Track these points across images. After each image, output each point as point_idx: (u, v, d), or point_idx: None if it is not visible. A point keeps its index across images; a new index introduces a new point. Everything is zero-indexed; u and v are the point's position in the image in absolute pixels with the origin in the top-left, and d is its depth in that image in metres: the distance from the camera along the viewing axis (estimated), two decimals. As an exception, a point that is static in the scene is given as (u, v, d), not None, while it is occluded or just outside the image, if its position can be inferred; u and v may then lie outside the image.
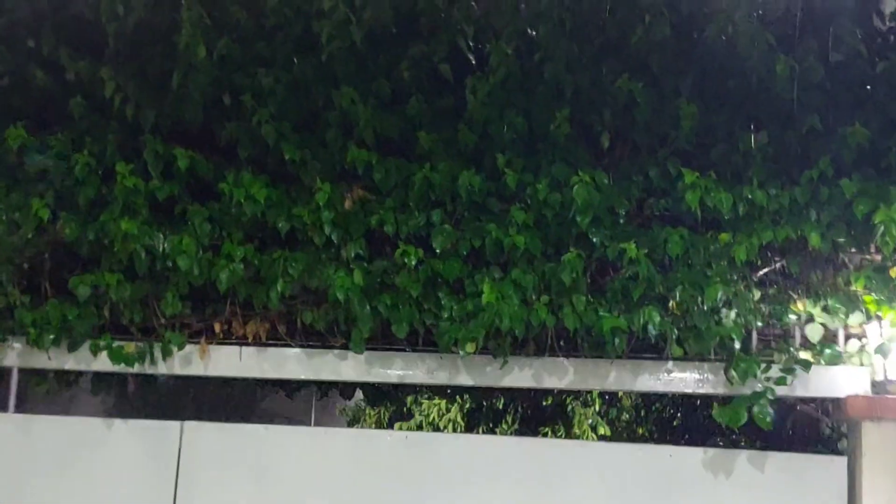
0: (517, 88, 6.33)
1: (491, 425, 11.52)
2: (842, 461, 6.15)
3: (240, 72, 6.49)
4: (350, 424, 13.84)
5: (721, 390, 6.25)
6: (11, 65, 6.55)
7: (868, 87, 6.41)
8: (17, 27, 6.75)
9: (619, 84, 6.17)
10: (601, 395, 11.35)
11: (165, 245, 6.17)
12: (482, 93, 6.20)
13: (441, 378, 6.43)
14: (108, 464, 6.41)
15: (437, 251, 6.18)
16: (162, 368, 6.44)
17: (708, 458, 6.22)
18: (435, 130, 6.37)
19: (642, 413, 10.82)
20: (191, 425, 6.43)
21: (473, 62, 6.48)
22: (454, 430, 11.78)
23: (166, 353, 6.35)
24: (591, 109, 6.38)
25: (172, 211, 6.36)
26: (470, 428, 11.73)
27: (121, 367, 6.38)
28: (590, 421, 11.61)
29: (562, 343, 6.30)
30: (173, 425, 6.44)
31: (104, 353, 6.35)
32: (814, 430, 7.78)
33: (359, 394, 9.19)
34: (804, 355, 6.16)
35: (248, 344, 6.43)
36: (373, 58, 6.53)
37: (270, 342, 6.45)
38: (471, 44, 6.46)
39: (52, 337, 6.30)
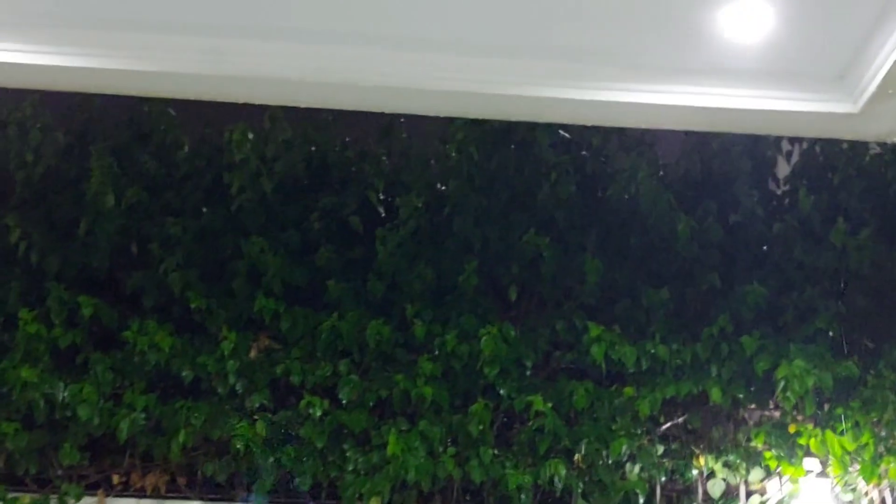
0: (426, 240, 6.44)
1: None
2: None
3: (148, 220, 6.50)
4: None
5: (626, 546, 6.24)
6: None
7: (765, 247, 6.67)
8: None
9: (526, 238, 6.33)
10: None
11: (66, 394, 6.01)
12: (392, 244, 6.29)
13: (345, 533, 6.31)
14: None
15: (344, 402, 6.13)
16: (57, 522, 6.20)
17: None
18: (344, 280, 6.40)
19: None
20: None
21: (383, 214, 6.59)
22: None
23: (62, 506, 6.14)
24: (499, 262, 6.51)
25: (74, 359, 6.22)
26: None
27: (15, 521, 6.12)
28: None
29: (468, 497, 6.24)
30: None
31: (-2, 506, 6.11)
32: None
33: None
34: (707, 511, 6.20)
35: (147, 496, 6.23)
36: (283, 208, 6.60)
37: (170, 495, 6.26)
38: (381, 196, 6.59)
39: (-58, 490, 6.05)
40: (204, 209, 6.57)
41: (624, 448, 6.02)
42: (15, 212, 6.41)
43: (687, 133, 6.58)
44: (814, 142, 6.78)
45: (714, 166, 6.81)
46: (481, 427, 6.01)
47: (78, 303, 6.18)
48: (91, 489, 6.20)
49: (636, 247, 6.57)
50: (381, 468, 5.95)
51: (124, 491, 6.25)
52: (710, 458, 6.26)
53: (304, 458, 6.05)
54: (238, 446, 5.93)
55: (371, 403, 6.16)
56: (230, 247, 6.50)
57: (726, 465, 6.24)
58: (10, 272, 6.42)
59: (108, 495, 6.21)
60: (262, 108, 6.51)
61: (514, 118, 6.03)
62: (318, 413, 6.05)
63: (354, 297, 6.37)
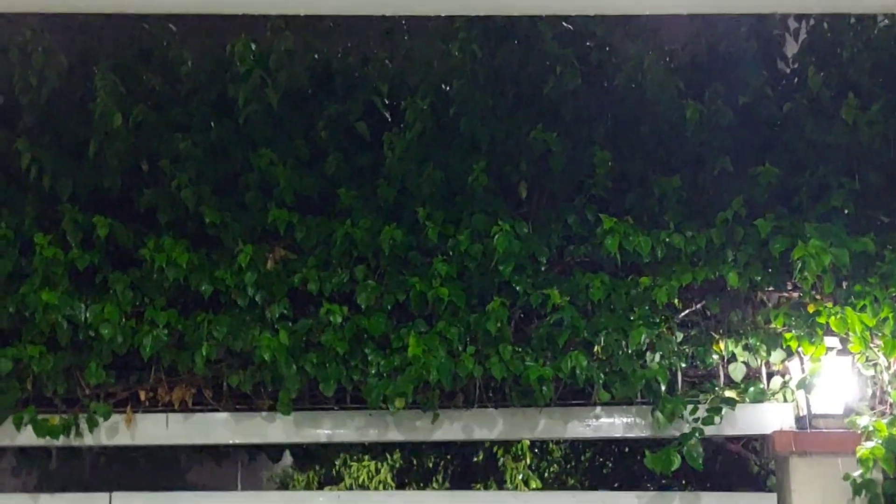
0: (434, 143, 6.42)
1: (422, 484, 11.44)
2: (772, 497, 6.24)
3: (156, 138, 6.49)
4: (279, 491, 13.66)
5: (649, 433, 6.30)
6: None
7: (776, 127, 6.61)
8: (-73, 101, 6.68)
9: (534, 134, 6.29)
10: (531, 447, 11.38)
11: (87, 314, 6.09)
12: (399, 148, 6.27)
13: (371, 435, 6.40)
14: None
15: (362, 307, 6.18)
16: (88, 440, 6.29)
17: (641, 502, 6.26)
18: (354, 187, 6.41)
19: (572, 463, 10.83)
20: (119, 496, 6.33)
21: (389, 119, 6.57)
22: (385, 491, 11.68)
23: (92, 424, 6.22)
24: (508, 160, 6.49)
25: (93, 280, 6.28)
26: (400, 488, 11.65)
27: (46, 441, 6.23)
28: (521, 475, 11.58)
29: (490, 394, 6.32)
30: (102, 497, 6.33)
31: (28, 427, 6.20)
32: (743, 468, 7.87)
33: (286, 460, 9.08)
34: (729, 394, 6.24)
35: (174, 411, 6.34)
36: (289, 119, 6.58)
37: (197, 407, 6.37)
38: (386, 101, 6.58)
39: (-27, 412, 6.17)
40: (211, 123, 6.55)
41: (643, 337, 6.05)
42: (24, 136, 6.41)
43: (692, 17, 6.48)
44: (821, 18, 6.68)
45: (721, 49, 6.73)
46: (499, 324, 6.05)
47: (93, 224, 6.21)
48: (119, 406, 6.32)
49: (645, 136, 6.53)
50: (403, 370, 6.01)
51: (152, 406, 6.36)
52: (730, 342, 6.30)
53: (327, 365, 6.12)
54: (263, 356, 6.00)
55: (389, 307, 6.21)
56: (240, 160, 6.50)
57: (747, 348, 6.28)
58: (23, 197, 6.45)
59: (136, 411, 6.33)
60: (264, 20, 6.45)
61: (515, 13, 5.96)
62: (338, 319, 6.10)
63: (366, 204, 6.39)
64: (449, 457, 11.15)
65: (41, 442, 6.26)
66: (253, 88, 6.31)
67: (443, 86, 6.53)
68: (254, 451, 7.60)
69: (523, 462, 11.47)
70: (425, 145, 6.37)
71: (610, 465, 10.08)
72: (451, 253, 6.23)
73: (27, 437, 6.26)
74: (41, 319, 6.04)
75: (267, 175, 6.35)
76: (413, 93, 6.44)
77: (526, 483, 11.45)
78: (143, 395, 6.33)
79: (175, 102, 6.63)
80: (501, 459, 11.38)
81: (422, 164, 6.34)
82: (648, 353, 6.16)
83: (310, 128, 6.57)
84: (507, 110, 6.52)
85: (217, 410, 6.37)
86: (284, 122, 6.55)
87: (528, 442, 10.29)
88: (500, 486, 11.28)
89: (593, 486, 9.93)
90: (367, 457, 11.56)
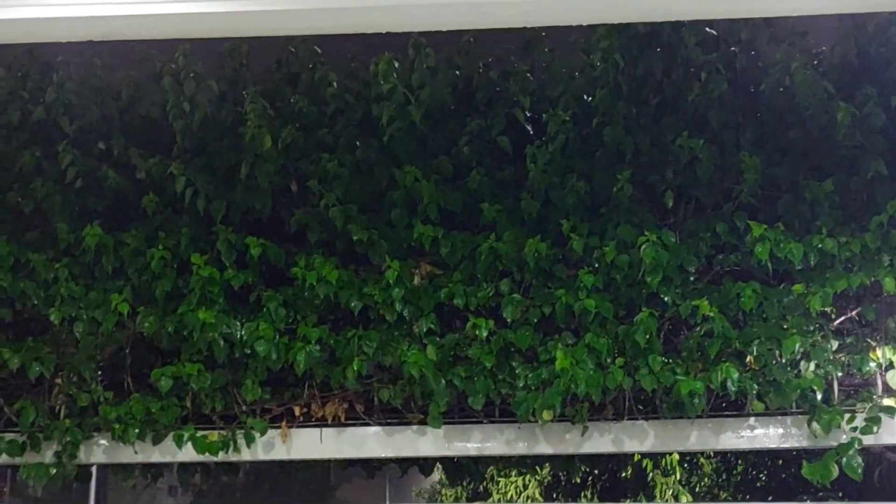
0: (577, 154, 6.41)
1: (570, 500, 11.40)
2: (934, 508, 6.03)
3: (304, 159, 6.65)
4: (428, 508, 13.78)
5: (805, 443, 6.17)
6: (85, 167, 6.71)
7: (932, 127, 6.42)
8: (87, 131, 6.94)
9: (680, 142, 6.22)
10: (681, 462, 11.23)
11: (243, 332, 6.25)
12: (542, 161, 6.28)
13: (520, 448, 6.41)
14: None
15: (508, 321, 6.20)
16: (246, 455, 6.47)
17: (799, 513, 6.14)
18: (498, 201, 6.44)
19: (723, 477, 10.66)
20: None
21: (531, 132, 6.58)
22: (534, 507, 11.68)
23: (249, 440, 6.38)
24: (653, 169, 6.44)
25: (247, 298, 6.46)
26: (549, 503, 11.63)
27: (205, 457, 6.41)
28: (671, 490, 11.45)
29: (640, 406, 6.27)
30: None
31: (189, 444, 6.39)
32: (902, 478, 7.63)
33: (434, 476, 9.14)
34: (888, 402, 6.07)
35: (327, 425, 6.46)
36: (432, 135, 6.67)
37: (349, 422, 6.48)
38: (528, 114, 6.59)
39: (136, 431, 6.36)
40: (357, 143, 6.67)
41: (797, 346, 5.90)
42: (178, 161, 6.63)
43: (840, 17, 6.33)
44: (978, 12, 6.46)
45: (871, 50, 6.54)
46: (648, 336, 5.98)
47: (246, 244, 6.40)
48: (274, 422, 6.47)
49: (795, 140, 6.40)
50: (551, 383, 5.99)
51: (306, 422, 6.49)
52: (887, 349, 6.12)
53: (475, 379, 6.15)
54: (412, 371, 6.06)
55: (535, 320, 6.20)
56: (385, 178, 6.60)
57: (904, 355, 6.10)
58: (180, 219, 6.67)
59: (290, 426, 6.46)
60: (405, 38, 6.55)
61: (657, 19, 5.89)
62: (485, 333, 6.12)
63: (509, 218, 6.41)
64: (597, 472, 11.10)
65: (200, 458, 6.44)
66: (396, 107, 6.41)
67: (585, 96, 6.52)
68: (405, 465, 7.68)
69: (673, 476, 11.35)
70: (568, 157, 6.37)
71: (763, 477, 9.88)
72: (596, 265, 6.21)
73: (187, 453, 6.45)
74: (199, 338, 6.22)
75: (411, 192, 6.43)
76: (555, 105, 6.45)
77: (676, 498, 11.32)
78: (297, 411, 6.48)
79: (321, 123, 6.77)
80: (651, 474, 11.28)
81: (565, 176, 6.34)
82: (803, 363, 6.02)
83: (452, 144, 6.63)
84: (651, 119, 6.48)
85: (369, 424, 6.47)
86: (427, 138, 6.64)
87: (677, 456, 10.16)
88: (650, 501, 11.17)
89: (746, 499, 9.75)
90: (514, 472, 11.59)
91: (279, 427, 6.45)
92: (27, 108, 6.88)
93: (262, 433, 6.40)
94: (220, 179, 6.67)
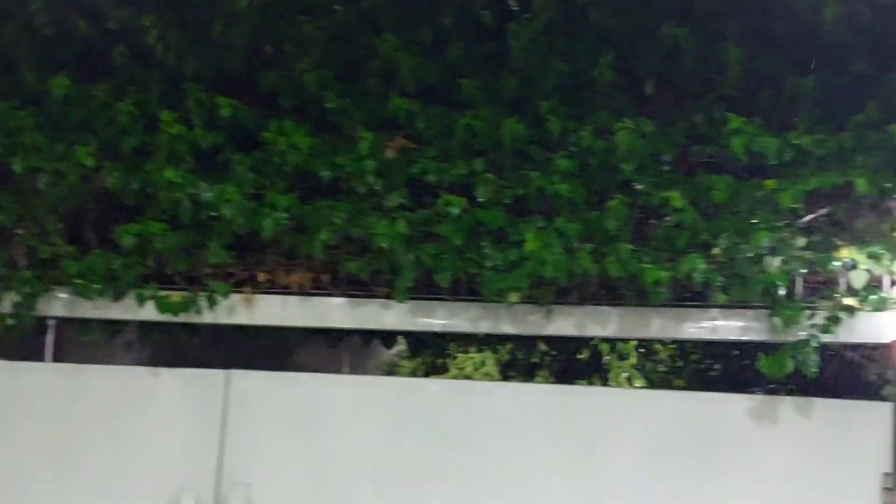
0: (560, 34, 6.28)
1: (526, 379, 11.53)
2: (887, 407, 6.12)
3: (281, 20, 6.48)
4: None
5: (765, 337, 6.21)
6: (54, 15, 6.52)
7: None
8: (57, -24, 6.74)
9: (664, 29, 6.12)
10: (637, 347, 11.37)
11: (210, 194, 6.17)
12: (524, 39, 6.16)
13: (484, 327, 6.43)
14: (154, 412, 6.48)
15: (480, 200, 6.16)
16: (208, 318, 6.46)
17: (751, 405, 6.20)
18: (477, 77, 6.32)
19: (679, 364, 10.81)
20: (237, 374, 6.48)
21: (516, 7, 6.46)
22: (490, 384, 11.79)
23: (212, 303, 6.38)
24: (635, 55, 6.33)
25: (216, 160, 6.36)
26: (504, 381, 11.75)
27: (167, 317, 6.40)
28: (625, 374, 11.61)
29: (605, 292, 6.28)
30: (218, 374, 6.49)
31: (150, 303, 6.37)
32: (858, 377, 7.75)
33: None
34: (849, 302, 6.11)
35: (292, 294, 6.45)
36: (413, 5, 6.50)
37: (314, 292, 6.46)
38: (513, -11, 6.45)
39: (97, 287, 6.34)
40: (336, 7, 6.51)
41: (764, 241, 5.90)
42: (151, 13, 6.45)
43: None
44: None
45: (864, -55, 6.44)
46: (618, 223, 5.97)
47: (216, 104, 6.28)
48: (238, 287, 6.45)
49: (780, 34, 6.29)
50: (519, 264, 5.98)
51: (270, 288, 6.47)
52: (853, 249, 6.14)
53: (443, 256, 6.13)
54: (381, 244, 6.03)
55: (507, 201, 6.16)
56: (363, 46, 6.46)
57: (870, 255, 6.10)
58: (150, 75, 6.52)
59: (254, 292, 6.44)
60: None
61: None
62: (456, 211, 6.08)
63: (488, 95, 6.29)
64: (554, 353, 11.21)
65: (162, 318, 6.42)
66: (378, -28, 6.26)
67: (572, -25, 6.39)
68: (368, 338, 7.71)
69: (628, 361, 11.51)
70: (551, 36, 6.24)
71: (717, 368, 10.02)
72: (572, 149, 6.13)
73: (148, 312, 6.43)
74: (164, 197, 6.15)
75: (389, 62, 6.30)
76: (542, -19, 6.32)
77: (630, 382, 11.50)
78: (261, 277, 6.45)
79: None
80: (607, 358, 11.42)
81: (547, 55, 6.22)
82: (769, 257, 6.03)
83: (433, 14, 6.47)
84: (637, 3, 6.34)
85: (334, 295, 6.45)
86: (409, 7, 6.48)
87: (634, 342, 10.26)
88: (604, 384, 11.33)
89: (700, 389, 9.88)
90: (473, 349, 11.69)
91: (242, 292, 6.42)
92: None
93: (225, 296, 6.38)
94: (192, 36, 6.49)
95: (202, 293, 6.40)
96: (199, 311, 6.41)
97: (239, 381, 6.46)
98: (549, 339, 10.25)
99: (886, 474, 5.99)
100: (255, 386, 6.48)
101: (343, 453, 6.36)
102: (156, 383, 6.53)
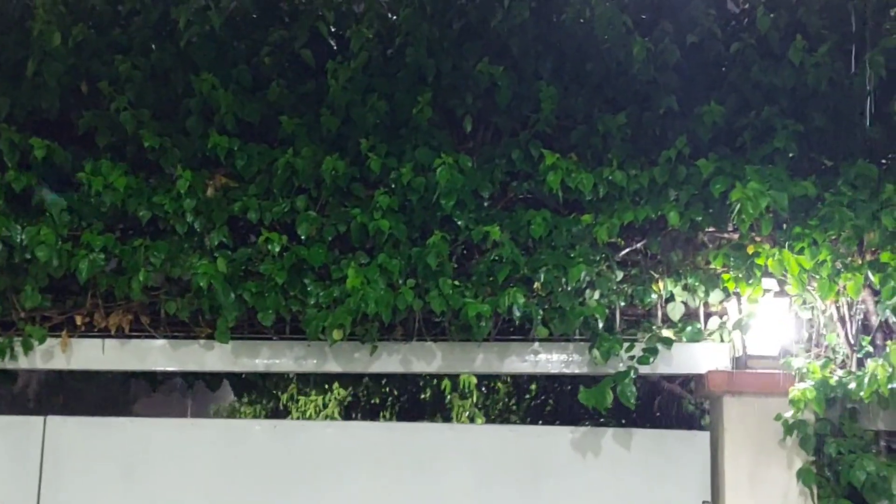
0: (379, 73, 6.35)
1: (368, 419, 11.48)
2: (704, 436, 6.28)
3: (96, 59, 6.39)
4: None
5: (586, 370, 6.33)
6: None
7: (723, 67, 6.59)
8: None
9: (480, 68, 6.22)
10: (479, 385, 11.42)
11: (23, 236, 6.00)
12: (343, 77, 6.19)
13: (309, 366, 6.40)
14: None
15: (302, 237, 6.14)
16: (23, 363, 6.27)
17: (575, 437, 6.30)
18: (297, 116, 6.34)
19: (514, 400, 10.90)
20: (54, 420, 6.29)
21: (335, 47, 6.49)
22: (331, 425, 11.71)
23: (27, 348, 6.19)
24: (453, 93, 6.43)
25: (30, 202, 6.21)
26: (347, 422, 11.68)
27: (-20, 363, 6.19)
28: (467, 412, 11.64)
29: (429, 327, 6.32)
30: (36, 420, 6.29)
31: (-38, 350, 6.16)
32: (678, 407, 7.94)
33: (231, 395, 9.04)
34: (666, 333, 6.26)
35: (110, 336, 6.31)
36: (233, 44, 6.50)
37: (134, 334, 6.33)
38: (332, 29, 6.49)
39: None
40: (153, 46, 6.45)
41: (583, 274, 6.02)
42: (-40, 54, 6.31)
43: (641, -47, 6.44)
44: (771, -42, 6.64)
45: (671, -13, 6.68)
46: (440, 258, 6.01)
47: (30, 145, 6.14)
48: (55, 331, 6.29)
49: (592, 72, 6.47)
50: (342, 301, 5.97)
51: (88, 332, 6.32)
52: (669, 281, 6.31)
53: (266, 294, 6.08)
54: (201, 283, 5.95)
55: (329, 238, 6.17)
56: (181, 84, 6.42)
57: (685, 288, 6.28)
58: (-41, 116, 6.34)
59: (71, 336, 6.29)
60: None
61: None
62: (277, 249, 6.06)
63: (308, 133, 6.32)
64: (396, 393, 11.19)
65: (-24, 365, 6.21)
66: (195, 10, 6.21)
67: (389, 15, 6.45)
68: (191, 380, 7.57)
69: (470, 399, 11.54)
70: (370, 75, 6.31)
71: (552, 402, 10.14)
72: (393, 185, 6.18)
73: (-40, 359, 6.22)
74: (-25, 241, 5.96)
75: (208, 100, 6.27)
76: (359, 21, 6.38)
77: (472, 420, 11.53)
78: (79, 320, 6.31)
79: (116, 23, 6.53)
80: (449, 397, 11.44)
81: (366, 94, 6.27)
82: (588, 291, 6.15)
83: (253, 53, 6.50)
84: (453, 42, 6.43)
85: (154, 337, 6.34)
86: (227, 46, 6.47)
87: (475, 379, 10.32)
88: (446, 422, 11.35)
89: (536, 422, 10.00)
90: (314, 391, 11.60)
91: (59, 336, 6.26)
92: None
93: (41, 341, 6.22)
94: (4, 75, 6.38)
95: (17, 338, 6.20)
96: (14, 357, 6.22)
97: (56, 428, 6.26)
98: (390, 379, 10.27)
99: (705, 502, 6.13)
100: (73, 432, 6.30)
101: (171, 497, 6.22)
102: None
